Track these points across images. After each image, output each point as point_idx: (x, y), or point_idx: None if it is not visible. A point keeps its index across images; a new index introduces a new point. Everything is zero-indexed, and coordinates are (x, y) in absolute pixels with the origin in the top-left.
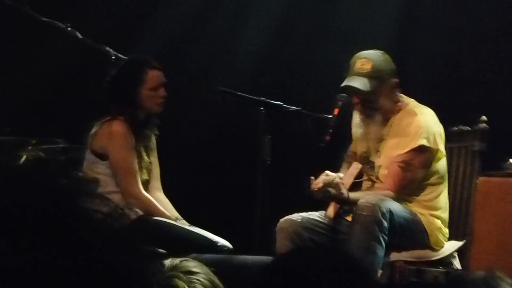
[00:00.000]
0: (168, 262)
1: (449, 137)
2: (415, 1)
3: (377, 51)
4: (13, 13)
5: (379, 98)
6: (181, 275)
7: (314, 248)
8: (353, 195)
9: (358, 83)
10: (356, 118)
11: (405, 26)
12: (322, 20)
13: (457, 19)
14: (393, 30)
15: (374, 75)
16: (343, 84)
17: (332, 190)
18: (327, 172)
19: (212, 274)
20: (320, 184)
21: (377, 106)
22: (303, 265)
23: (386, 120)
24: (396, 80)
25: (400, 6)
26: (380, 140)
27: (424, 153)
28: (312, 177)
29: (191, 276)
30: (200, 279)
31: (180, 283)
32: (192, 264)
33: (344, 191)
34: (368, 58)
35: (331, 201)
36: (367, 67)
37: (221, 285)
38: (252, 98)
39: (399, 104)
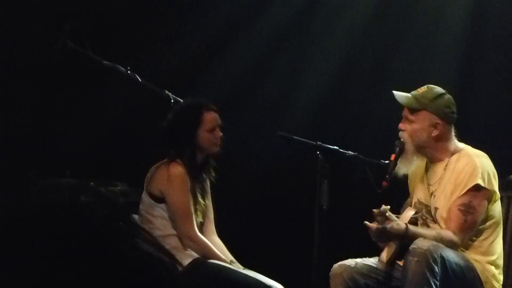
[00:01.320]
0: None
1: (507, 185)
2: (478, 45)
3: (443, 90)
4: (75, 57)
5: (415, 121)
6: None
7: None
8: (413, 228)
9: (401, 96)
10: (402, 163)
11: (466, 71)
12: (381, 65)
13: None
14: (455, 75)
15: (419, 98)
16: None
17: (389, 225)
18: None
19: None
20: (371, 225)
21: (411, 134)
22: None
23: (438, 162)
24: (442, 122)
25: (464, 50)
26: (436, 183)
27: (481, 194)
28: (366, 222)
29: None
30: None
31: None
32: None
33: (402, 223)
34: (428, 86)
35: (385, 236)
36: (420, 90)
37: None
38: (309, 142)
39: (453, 148)
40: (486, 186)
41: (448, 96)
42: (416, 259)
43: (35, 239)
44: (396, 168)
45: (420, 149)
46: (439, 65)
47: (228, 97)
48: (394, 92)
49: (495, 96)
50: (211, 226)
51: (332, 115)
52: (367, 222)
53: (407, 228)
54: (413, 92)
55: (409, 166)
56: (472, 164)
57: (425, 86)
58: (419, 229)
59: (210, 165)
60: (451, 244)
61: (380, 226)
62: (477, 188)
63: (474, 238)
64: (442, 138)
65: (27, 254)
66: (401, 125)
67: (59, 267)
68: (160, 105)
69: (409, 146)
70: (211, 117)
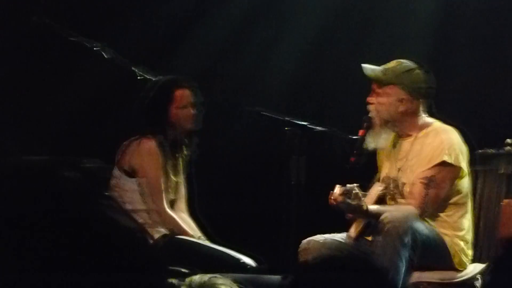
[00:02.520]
0: (197, 278)
1: (475, 160)
2: (448, 24)
3: (415, 65)
4: (41, 31)
5: (382, 95)
6: None
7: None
8: (372, 208)
9: (369, 68)
10: (371, 137)
11: (438, 47)
12: (352, 42)
13: (486, 42)
14: (426, 52)
15: (388, 72)
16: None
17: (352, 201)
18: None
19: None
20: (338, 194)
21: (379, 107)
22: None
23: (406, 137)
24: (406, 97)
25: (435, 27)
26: (403, 158)
27: (447, 170)
28: (332, 191)
29: None
30: None
31: None
32: (220, 281)
33: (363, 202)
34: (399, 61)
35: (349, 212)
36: (390, 64)
37: None
38: (277, 118)
39: (421, 123)
40: (453, 162)
41: (418, 71)
42: (386, 229)
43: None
44: (365, 142)
45: (387, 123)
46: (412, 40)
47: (199, 73)
48: (363, 65)
49: (465, 72)
50: (182, 204)
51: (303, 90)
52: (336, 191)
53: (367, 208)
54: (384, 66)
55: (378, 140)
56: (439, 140)
57: (396, 60)
58: (379, 207)
59: (182, 143)
60: None
61: (345, 201)
62: (443, 164)
63: (442, 213)
64: (409, 114)
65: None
66: (369, 99)
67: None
68: (129, 81)
69: (376, 120)
70: (182, 94)
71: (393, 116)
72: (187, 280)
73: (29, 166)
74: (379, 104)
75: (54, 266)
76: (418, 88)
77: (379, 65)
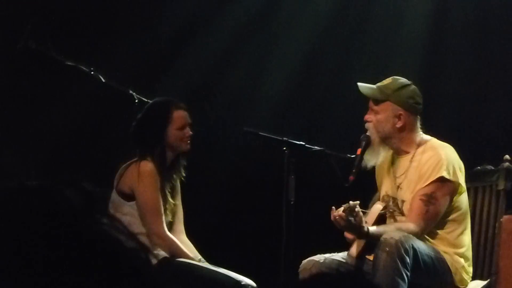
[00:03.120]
0: None
1: (474, 177)
2: (440, 41)
3: (409, 81)
4: (37, 57)
5: (379, 112)
6: None
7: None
8: (373, 229)
9: (365, 87)
10: (369, 156)
11: (430, 64)
12: (345, 61)
13: (481, 58)
14: (418, 69)
15: (383, 89)
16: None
17: (354, 220)
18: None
19: None
20: (341, 211)
21: (376, 125)
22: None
23: (404, 155)
24: (403, 112)
25: (426, 47)
26: (402, 175)
27: (445, 186)
28: (333, 207)
29: None
30: None
31: None
32: None
33: (364, 224)
34: (393, 78)
35: (350, 231)
36: (385, 82)
37: None
38: (275, 138)
39: (419, 140)
40: (451, 178)
41: (413, 87)
42: (387, 249)
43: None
44: (364, 160)
45: (385, 140)
46: (403, 57)
47: (192, 94)
48: (359, 84)
49: (460, 88)
50: (180, 226)
51: (298, 110)
52: (333, 208)
53: (367, 229)
54: (378, 84)
55: (376, 158)
56: (437, 156)
57: (390, 78)
58: (379, 228)
59: (180, 164)
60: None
61: (347, 219)
62: (441, 180)
63: (441, 230)
64: (406, 129)
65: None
66: (367, 117)
67: (31, 252)
68: (124, 105)
69: (374, 137)
70: (180, 115)
71: (391, 132)
72: None
73: (28, 188)
74: (377, 121)
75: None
76: (414, 104)
77: (373, 83)
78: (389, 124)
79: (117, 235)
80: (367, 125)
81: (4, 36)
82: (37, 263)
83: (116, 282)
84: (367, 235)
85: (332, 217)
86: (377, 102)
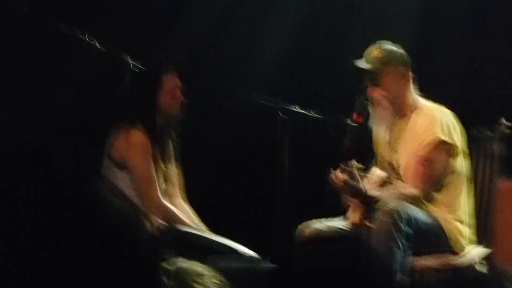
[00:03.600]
0: (177, 265)
1: (469, 140)
2: (433, 6)
3: (390, 42)
4: (30, 22)
5: (384, 80)
6: (196, 279)
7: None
8: (373, 192)
9: (362, 63)
10: (375, 121)
11: (426, 25)
12: (342, 24)
13: (479, 19)
14: (414, 30)
15: (379, 58)
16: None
17: (355, 184)
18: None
19: (219, 275)
20: (340, 174)
21: (384, 92)
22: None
23: (401, 118)
24: (406, 71)
25: (421, 5)
26: (398, 139)
27: (441, 147)
28: (332, 169)
29: (203, 279)
30: (214, 280)
31: (198, 287)
32: (199, 266)
33: (362, 186)
34: (378, 45)
35: (349, 193)
36: (375, 52)
37: (227, 283)
38: (270, 101)
39: (414, 101)
40: (447, 139)
41: (397, 45)
42: (383, 217)
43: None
44: (371, 124)
45: (395, 104)
46: (398, 20)
47: (188, 60)
48: (355, 62)
49: (453, 51)
50: (175, 190)
51: (294, 74)
52: (338, 174)
53: (366, 193)
54: (369, 56)
55: (384, 122)
56: (432, 118)
57: (376, 46)
58: (380, 192)
59: (172, 128)
60: (413, 199)
61: (349, 182)
62: (437, 141)
63: (437, 193)
64: (408, 87)
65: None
66: (369, 91)
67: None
68: (119, 69)
69: (385, 104)
70: (170, 80)
71: (399, 92)
72: (166, 265)
73: (21, 150)
74: (384, 88)
75: (47, 249)
76: (407, 58)
77: (361, 51)
78: (396, 85)
79: (110, 197)
80: (372, 97)
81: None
82: (28, 224)
83: (109, 243)
84: (365, 197)
85: (330, 180)
86: (377, 73)
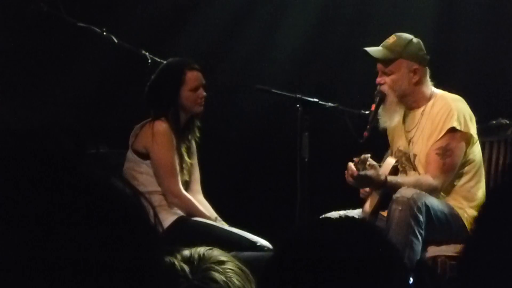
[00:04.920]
0: (192, 252)
1: (488, 131)
2: None
3: (411, 35)
4: (48, 19)
5: (394, 72)
6: (215, 266)
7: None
8: (392, 178)
9: (375, 50)
10: (384, 113)
11: (445, 19)
12: (359, 16)
13: (497, 11)
14: (432, 23)
15: (393, 48)
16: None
17: (368, 171)
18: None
19: (239, 262)
20: (353, 167)
21: (392, 84)
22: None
23: (416, 109)
24: (420, 66)
25: (440, 1)
26: (413, 129)
27: (458, 137)
28: (350, 163)
29: (223, 266)
30: (232, 267)
31: (217, 275)
32: (217, 253)
33: (380, 171)
34: (396, 35)
35: (367, 184)
36: (390, 41)
37: (248, 272)
38: (288, 95)
39: (430, 93)
40: (462, 129)
41: (417, 39)
42: (400, 208)
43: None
44: (380, 120)
45: (403, 99)
46: (416, 12)
47: (206, 54)
48: (367, 48)
49: (475, 42)
50: (197, 186)
51: (312, 66)
52: (350, 164)
53: (385, 177)
54: (384, 44)
55: (394, 118)
56: (447, 107)
57: (393, 35)
58: (397, 178)
59: (194, 125)
60: (431, 189)
61: (361, 172)
62: (453, 130)
63: (454, 182)
64: (421, 82)
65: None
66: (379, 79)
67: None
68: (137, 65)
69: (391, 98)
70: (194, 76)
71: (408, 88)
72: (181, 254)
73: (17, 132)
74: (393, 81)
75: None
76: (424, 55)
77: (384, 39)
78: (406, 81)
79: (108, 179)
80: (381, 87)
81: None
82: (27, 208)
83: (107, 226)
84: (384, 184)
85: (347, 179)
86: (389, 62)
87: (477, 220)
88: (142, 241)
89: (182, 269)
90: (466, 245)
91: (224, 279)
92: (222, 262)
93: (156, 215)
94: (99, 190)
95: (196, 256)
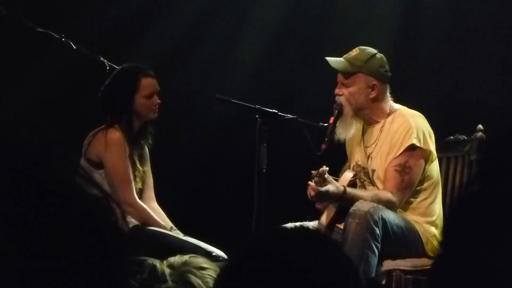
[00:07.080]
0: (177, 258)
1: (446, 147)
2: (414, 11)
3: (375, 50)
4: (7, 23)
5: (352, 85)
6: (194, 270)
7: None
8: (351, 190)
9: (335, 61)
10: (341, 125)
11: (404, 34)
12: (319, 29)
13: (457, 28)
14: (392, 39)
15: (353, 61)
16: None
17: (331, 187)
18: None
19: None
20: (314, 185)
21: (349, 97)
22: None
23: (374, 124)
24: (379, 83)
25: (400, 15)
26: (372, 145)
27: (417, 154)
28: (310, 182)
29: (203, 272)
30: (213, 274)
31: (194, 278)
32: (201, 260)
33: (340, 185)
34: (360, 48)
35: (326, 198)
36: (353, 53)
37: None
38: (247, 105)
39: (389, 109)
40: (422, 145)
41: (380, 55)
42: (356, 221)
43: None
44: (336, 132)
45: (358, 112)
46: (376, 25)
47: (165, 61)
48: (327, 58)
49: (434, 57)
50: (151, 193)
51: (272, 77)
52: (310, 183)
53: (344, 190)
54: (346, 56)
55: (349, 131)
56: (407, 124)
57: (357, 48)
58: (356, 191)
59: (148, 132)
60: (389, 205)
61: (322, 189)
62: (412, 148)
63: (412, 199)
64: (379, 99)
65: None
66: (337, 90)
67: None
68: (95, 71)
69: (347, 110)
70: (149, 83)
71: (365, 103)
72: (166, 261)
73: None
74: (350, 94)
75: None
76: (385, 72)
77: (346, 51)
78: (363, 95)
79: (78, 181)
80: (338, 98)
81: None
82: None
83: (75, 228)
84: (343, 196)
85: (309, 195)
86: (348, 75)
87: (442, 237)
88: (111, 242)
89: (163, 272)
90: (435, 261)
91: (200, 282)
92: (202, 268)
93: (124, 217)
94: (65, 190)
95: (179, 261)
